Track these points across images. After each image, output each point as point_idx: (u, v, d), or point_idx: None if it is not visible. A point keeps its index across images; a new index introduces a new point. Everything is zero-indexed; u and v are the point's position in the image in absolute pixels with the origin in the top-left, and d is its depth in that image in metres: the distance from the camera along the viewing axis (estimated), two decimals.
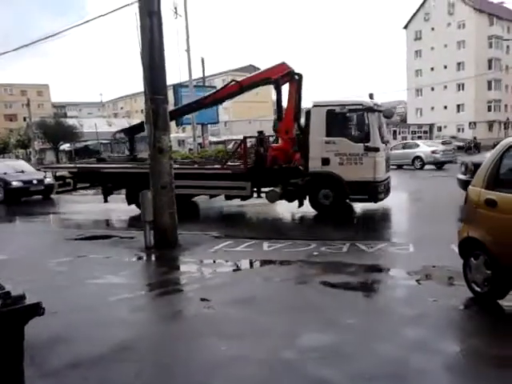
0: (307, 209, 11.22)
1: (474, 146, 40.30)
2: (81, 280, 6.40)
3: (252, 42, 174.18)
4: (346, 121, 11.01)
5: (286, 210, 11.96)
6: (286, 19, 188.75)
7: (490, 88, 61.97)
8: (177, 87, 29.65)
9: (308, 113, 11.20)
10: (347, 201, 11.37)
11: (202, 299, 5.48)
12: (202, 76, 33.64)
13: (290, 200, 11.33)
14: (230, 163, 12.12)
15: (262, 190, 11.65)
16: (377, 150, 10.64)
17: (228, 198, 12.12)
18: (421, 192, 15.37)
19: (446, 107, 61.77)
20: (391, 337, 4.19)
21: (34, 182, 17.20)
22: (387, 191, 11.27)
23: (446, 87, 61.01)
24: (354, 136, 10.89)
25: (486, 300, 4.82)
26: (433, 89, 61.45)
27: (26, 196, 17.24)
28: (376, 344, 4.01)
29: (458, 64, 61.71)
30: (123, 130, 15.11)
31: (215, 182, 11.65)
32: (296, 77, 11.75)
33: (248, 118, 77.97)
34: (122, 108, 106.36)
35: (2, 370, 2.37)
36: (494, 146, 5.96)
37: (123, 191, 13.19)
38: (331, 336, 4.24)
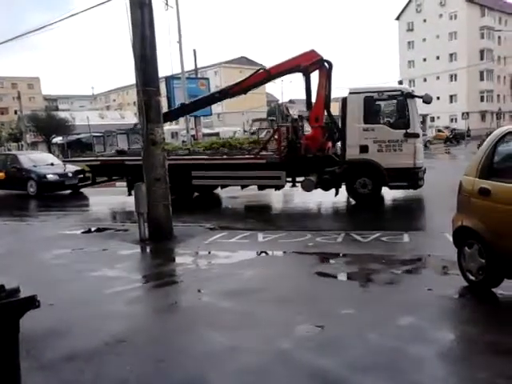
0: (299, 199, 11.21)
1: (454, 137, 40.33)
2: (76, 272, 6.39)
3: (244, 34, 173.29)
4: (384, 107, 10.99)
5: (282, 199, 11.98)
6: (277, 10, 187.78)
7: (482, 78, 62.21)
8: (169, 79, 29.44)
9: (344, 100, 11.09)
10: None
11: (198, 291, 5.50)
12: (194, 68, 33.48)
13: (326, 189, 11.25)
14: (263, 153, 11.96)
15: (297, 179, 11.53)
16: (417, 136, 10.68)
17: (260, 188, 11.98)
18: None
19: (438, 98, 61.72)
20: (386, 326, 4.20)
21: (69, 175, 16.43)
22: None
23: (438, 78, 61.12)
24: (393, 122, 10.84)
25: (481, 288, 4.85)
26: (425, 79, 61.53)
27: (61, 190, 16.46)
28: (371, 333, 4.03)
29: (451, 55, 61.86)
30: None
31: (247, 172, 11.53)
32: (326, 64, 11.61)
33: (241, 109, 77.67)
34: (114, 100, 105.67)
35: (0, 361, 2.36)
36: (487, 135, 5.98)
37: None
38: (327, 326, 4.25)
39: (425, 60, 63.98)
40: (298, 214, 11.24)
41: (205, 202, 13.20)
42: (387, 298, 4.95)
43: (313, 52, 11.74)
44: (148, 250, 7.88)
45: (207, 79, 34.53)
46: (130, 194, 12.68)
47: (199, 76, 38.24)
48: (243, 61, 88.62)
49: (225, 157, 12.49)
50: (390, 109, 11.09)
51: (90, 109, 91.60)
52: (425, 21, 63.88)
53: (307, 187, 11.13)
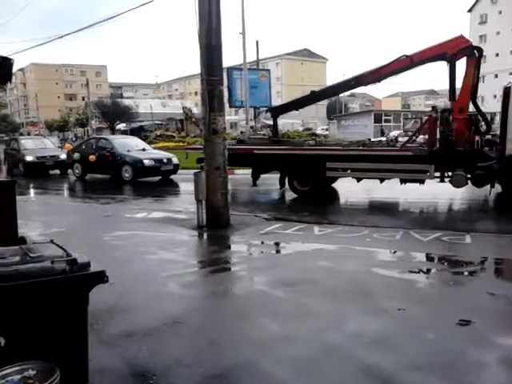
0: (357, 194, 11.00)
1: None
2: (136, 254, 6.65)
3: (308, 26, 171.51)
4: None
5: (338, 195, 11.83)
6: (342, 2, 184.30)
7: None
8: (230, 70, 29.72)
9: (507, 90, 10.35)
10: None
11: (252, 279, 5.57)
12: (255, 59, 33.58)
13: (479, 185, 10.56)
14: (409, 144, 11.43)
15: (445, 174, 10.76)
16: None
17: (403, 181, 11.27)
18: None
19: None
20: (443, 326, 4.09)
21: (165, 160, 16.43)
22: None
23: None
24: None
25: None
26: (496, 76, 58.58)
27: (155, 175, 16.45)
28: (426, 333, 3.93)
29: None
30: (269, 109, 14.34)
31: (389, 164, 10.96)
32: (475, 51, 10.89)
33: None
34: (176, 90, 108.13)
35: (70, 331, 2.50)
36: None
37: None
38: (380, 322, 4.20)
39: (497, 55, 60.83)
40: (357, 208, 11.09)
41: (257, 193, 13.27)
42: (445, 299, 4.81)
43: (461, 38, 10.99)
44: (205, 236, 8.06)
45: (268, 71, 34.57)
46: (254, 185, 12.83)
47: (260, 67, 38.35)
48: (305, 53, 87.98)
49: (363, 148, 11.96)
50: None
51: (153, 97, 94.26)
52: (500, 13, 60.67)
53: (458, 183, 10.45)
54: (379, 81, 11.91)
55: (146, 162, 16.12)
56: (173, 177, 16.88)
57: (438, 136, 10.75)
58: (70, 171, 19.60)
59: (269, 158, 12.36)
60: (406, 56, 11.38)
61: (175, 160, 16.58)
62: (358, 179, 11.78)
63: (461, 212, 10.65)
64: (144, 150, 17.44)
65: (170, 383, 3.27)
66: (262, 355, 3.62)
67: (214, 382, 3.28)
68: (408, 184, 11.15)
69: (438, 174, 10.73)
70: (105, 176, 17.77)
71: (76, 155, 18.22)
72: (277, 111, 14.00)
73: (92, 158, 17.18)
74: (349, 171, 11.73)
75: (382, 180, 11.52)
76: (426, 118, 11.51)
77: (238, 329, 4.19)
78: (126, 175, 16.28)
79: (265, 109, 15.26)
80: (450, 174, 10.61)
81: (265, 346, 3.78)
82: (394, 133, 34.05)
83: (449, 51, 10.86)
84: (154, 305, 4.73)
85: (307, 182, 11.83)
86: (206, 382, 3.27)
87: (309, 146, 12.97)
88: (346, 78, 12.87)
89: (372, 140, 15.94)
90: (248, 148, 12.96)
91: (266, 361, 3.53)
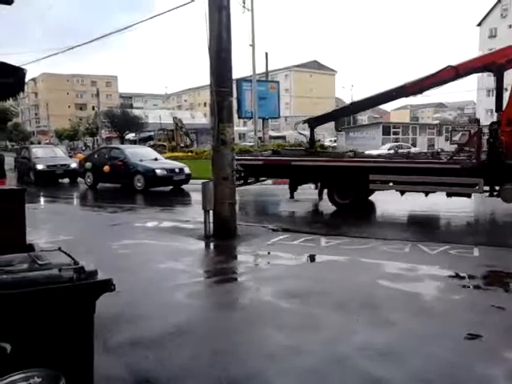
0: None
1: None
2: (143, 263, 6.67)
3: (317, 38, 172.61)
4: None
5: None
6: (352, 15, 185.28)
7: None
8: (239, 81, 29.90)
9: None
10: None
11: (258, 289, 5.55)
12: (265, 71, 33.81)
13: None
14: (456, 157, 10.98)
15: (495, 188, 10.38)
16: None
17: (449, 195, 10.87)
18: None
19: None
20: (449, 340, 4.05)
21: (177, 170, 16.51)
22: None
23: None
24: None
25: None
26: (506, 89, 58.32)
27: (168, 185, 16.50)
28: (433, 346, 3.90)
29: None
30: (307, 120, 14.06)
31: (435, 177, 10.52)
32: None
33: (309, 114, 77.12)
34: (185, 101, 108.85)
35: (76, 339, 2.51)
36: None
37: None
38: (387, 335, 4.16)
39: None
40: (367, 220, 11.05)
41: (263, 203, 13.27)
42: (452, 312, 4.77)
43: (510, 48, 10.79)
44: (212, 246, 8.06)
45: (277, 82, 34.78)
46: (292, 197, 12.35)
47: (269, 79, 38.60)
48: (314, 65, 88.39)
49: (407, 160, 11.54)
50: None
51: (163, 108, 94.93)
52: (510, 27, 60.63)
53: (509, 197, 10.03)
54: (421, 92, 11.68)
55: (159, 171, 16.16)
56: (184, 186, 16.95)
57: (484, 149, 10.45)
58: (79, 180, 19.76)
59: (307, 170, 11.97)
60: (452, 67, 11.05)
61: (187, 170, 16.64)
62: (402, 192, 11.28)
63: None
64: (156, 159, 17.49)
65: None
66: (268, 366, 3.61)
67: None
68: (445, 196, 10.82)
69: (486, 188, 10.35)
70: (116, 185, 17.88)
71: (88, 164, 18.35)
72: (315, 122, 13.81)
73: (106, 168, 17.24)
74: (392, 184, 11.28)
75: (427, 193, 11.08)
76: (472, 130, 11.17)
77: (244, 339, 4.18)
78: (138, 184, 16.29)
79: (303, 119, 14.91)
80: (497, 188, 10.27)
81: (271, 356, 3.76)
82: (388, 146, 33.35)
83: (498, 61, 10.61)
84: (161, 314, 4.73)
85: (347, 194, 11.44)
86: None
87: (349, 157, 12.51)
88: (387, 89, 12.53)
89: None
90: (285, 159, 12.66)
91: (272, 372, 3.52)
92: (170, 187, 16.70)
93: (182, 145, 38.73)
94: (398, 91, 12.05)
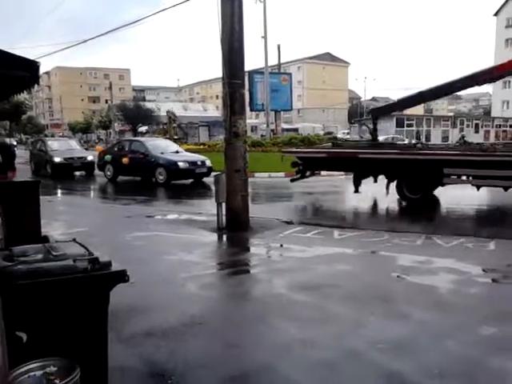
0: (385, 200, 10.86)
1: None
2: (156, 255, 6.71)
3: (330, 30, 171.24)
4: None
5: (359, 198, 11.64)
6: (366, 6, 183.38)
7: None
8: (251, 73, 29.78)
9: None
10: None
11: (271, 281, 5.55)
12: (277, 63, 33.65)
13: None
14: None
15: None
16: None
17: None
18: None
19: None
20: (465, 334, 4.02)
21: (199, 163, 16.29)
22: None
23: None
24: None
25: None
26: None
27: (190, 178, 16.31)
28: (448, 340, 3.86)
29: None
30: (371, 110, 13.68)
31: None
32: None
33: (322, 106, 76.74)
34: (197, 93, 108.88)
35: (91, 329, 2.53)
36: None
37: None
38: (400, 328, 4.14)
39: None
40: (380, 213, 10.98)
41: (277, 196, 13.22)
42: (467, 307, 4.72)
43: None
44: (224, 238, 8.08)
45: (290, 74, 34.59)
46: (356, 191, 11.66)
47: (282, 71, 38.39)
48: (327, 57, 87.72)
49: (486, 153, 10.63)
50: None
51: (175, 100, 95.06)
52: None
53: None
54: (494, 81, 11.61)
55: (181, 164, 15.96)
56: (204, 179, 16.95)
57: None
58: (96, 172, 19.79)
59: (375, 163, 11.37)
60: None
61: (208, 162, 16.43)
62: (478, 187, 10.76)
63: None
64: (177, 152, 17.35)
65: None
66: (280, 358, 3.61)
67: None
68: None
69: None
70: (136, 178, 17.80)
71: (107, 157, 18.26)
72: (379, 112, 13.42)
73: (126, 161, 17.12)
74: (469, 178, 10.72)
75: (506, 188, 10.51)
76: None
77: (256, 331, 4.18)
78: (160, 177, 16.05)
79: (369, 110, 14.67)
80: None
81: (283, 349, 3.76)
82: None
83: None
84: (174, 305, 4.76)
85: (418, 188, 10.99)
86: None
87: (418, 149, 11.84)
88: (458, 77, 12.07)
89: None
90: (352, 152, 12.05)
91: (284, 364, 3.52)
92: (191, 180, 16.58)
93: (175, 137, 38.99)
94: (470, 79, 11.66)
